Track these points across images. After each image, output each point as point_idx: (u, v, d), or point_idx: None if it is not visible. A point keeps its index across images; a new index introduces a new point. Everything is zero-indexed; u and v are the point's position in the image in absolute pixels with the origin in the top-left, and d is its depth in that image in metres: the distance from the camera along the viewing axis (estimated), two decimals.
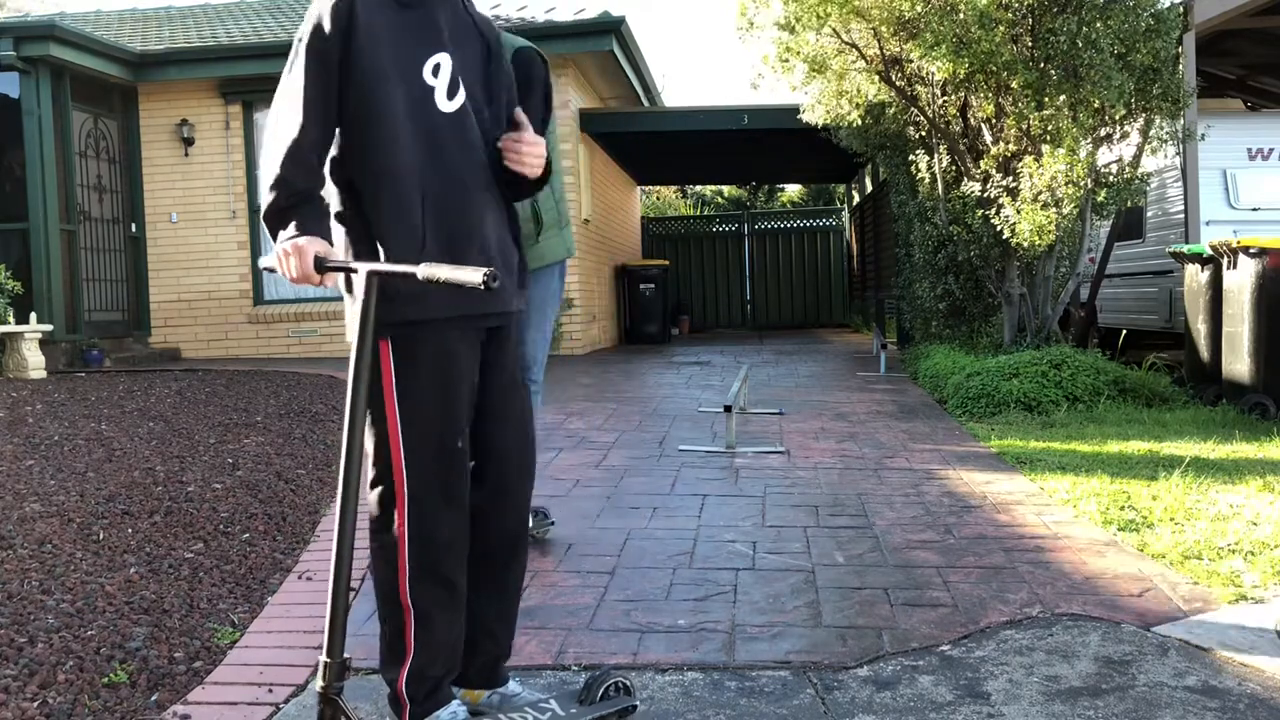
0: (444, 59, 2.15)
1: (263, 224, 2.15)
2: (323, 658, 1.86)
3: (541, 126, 2.52)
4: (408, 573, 2.11)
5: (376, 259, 2.09)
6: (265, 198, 2.07)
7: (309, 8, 2.18)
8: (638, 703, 2.35)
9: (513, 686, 2.31)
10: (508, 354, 2.25)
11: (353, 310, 2.14)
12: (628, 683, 2.33)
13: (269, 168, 2.06)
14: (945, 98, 8.67)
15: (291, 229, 2.02)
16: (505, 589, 2.31)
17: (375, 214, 2.11)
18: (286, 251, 1.99)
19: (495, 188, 2.23)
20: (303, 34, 2.09)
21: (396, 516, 2.11)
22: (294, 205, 2.05)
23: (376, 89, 2.08)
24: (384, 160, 2.09)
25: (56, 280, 10.38)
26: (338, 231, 2.16)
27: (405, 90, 2.10)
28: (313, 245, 2.00)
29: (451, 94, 2.15)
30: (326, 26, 2.07)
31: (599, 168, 13.99)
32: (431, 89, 2.13)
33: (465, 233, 2.13)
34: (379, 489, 2.14)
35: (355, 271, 1.99)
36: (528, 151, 2.19)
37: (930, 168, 9.07)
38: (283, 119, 2.07)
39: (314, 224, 2.04)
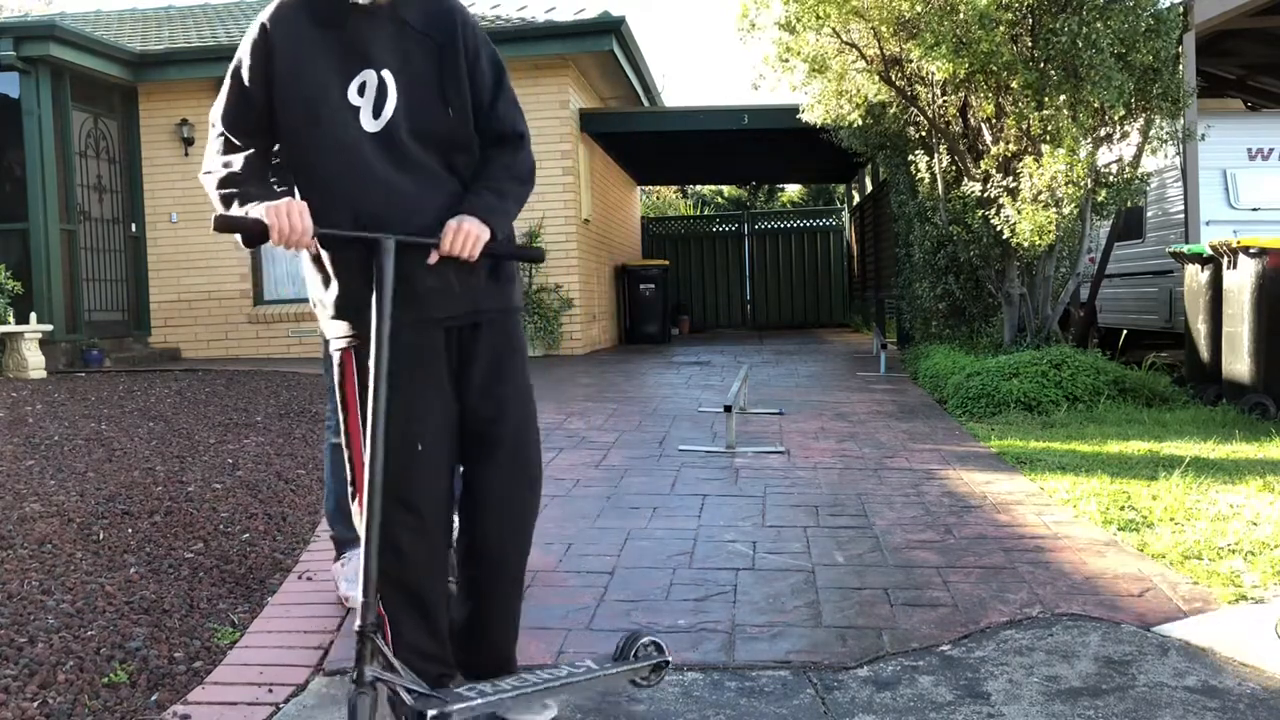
0: (369, 76, 2.11)
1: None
2: (359, 598, 1.92)
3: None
4: (375, 577, 2.11)
5: (325, 274, 2.15)
6: (210, 190, 2.12)
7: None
8: (670, 658, 2.38)
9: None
10: (483, 352, 2.22)
11: (325, 318, 2.21)
12: (660, 641, 2.37)
13: (205, 173, 2.16)
14: (945, 98, 8.66)
15: (261, 203, 2.03)
16: (497, 589, 2.30)
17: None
18: (288, 206, 1.98)
19: (456, 194, 2.15)
20: (234, 63, 2.15)
21: (356, 516, 2.13)
22: (243, 190, 2.09)
23: (298, 114, 2.10)
24: (318, 184, 2.12)
25: (56, 280, 10.38)
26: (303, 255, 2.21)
27: (328, 112, 2.10)
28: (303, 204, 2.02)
29: (377, 112, 2.11)
30: (245, 65, 2.13)
31: (599, 168, 13.99)
32: (357, 109, 2.11)
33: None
34: (350, 487, 2.19)
35: (376, 241, 1.98)
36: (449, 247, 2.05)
37: (930, 168, 9.07)
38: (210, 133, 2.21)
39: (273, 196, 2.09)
